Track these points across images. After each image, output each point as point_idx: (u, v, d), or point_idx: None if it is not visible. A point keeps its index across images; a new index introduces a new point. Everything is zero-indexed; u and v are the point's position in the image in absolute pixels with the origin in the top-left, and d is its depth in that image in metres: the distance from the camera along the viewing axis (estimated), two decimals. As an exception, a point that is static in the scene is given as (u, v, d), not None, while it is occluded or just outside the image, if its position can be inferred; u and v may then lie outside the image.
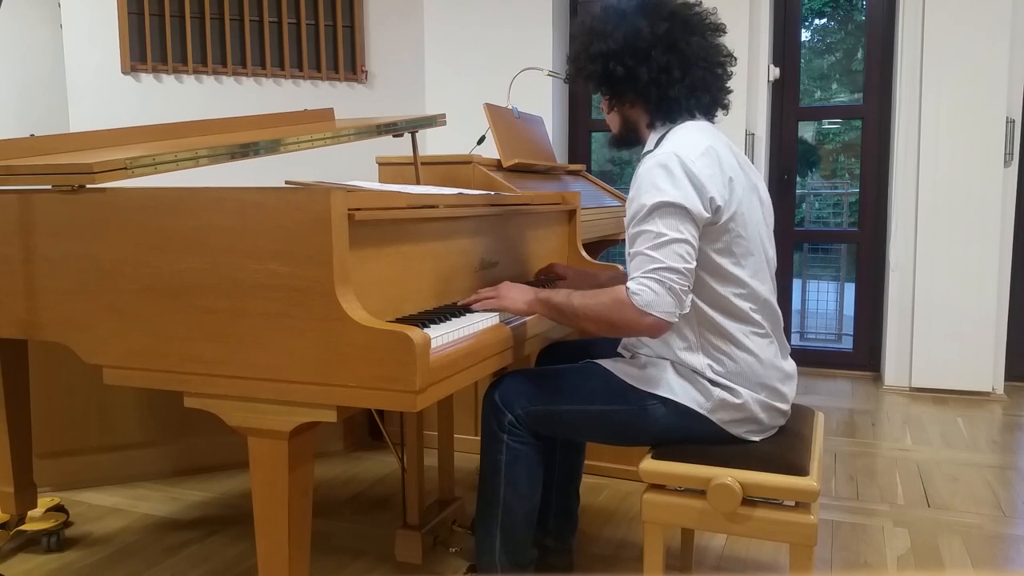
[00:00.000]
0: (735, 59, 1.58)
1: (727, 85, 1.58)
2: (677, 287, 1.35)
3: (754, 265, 1.47)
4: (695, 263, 1.39)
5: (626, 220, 1.45)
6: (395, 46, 4.39)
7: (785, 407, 1.52)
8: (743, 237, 1.45)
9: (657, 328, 1.38)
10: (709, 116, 1.57)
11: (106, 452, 2.51)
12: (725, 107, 1.60)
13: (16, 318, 1.42)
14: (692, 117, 1.53)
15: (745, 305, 1.47)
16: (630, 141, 1.62)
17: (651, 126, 1.56)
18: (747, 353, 1.47)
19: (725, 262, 1.44)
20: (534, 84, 3.70)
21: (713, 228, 1.42)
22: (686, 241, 1.37)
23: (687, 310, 1.41)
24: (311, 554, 1.34)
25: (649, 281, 1.35)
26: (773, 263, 1.56)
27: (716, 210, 1.40)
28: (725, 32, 1.56)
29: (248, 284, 1.21)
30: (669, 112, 1.52)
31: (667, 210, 1.37)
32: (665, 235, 1.36)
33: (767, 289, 1.50)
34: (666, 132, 1.52)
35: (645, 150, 1.56)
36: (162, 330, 1.28)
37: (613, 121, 1.63)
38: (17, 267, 1.40)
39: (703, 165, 1.40)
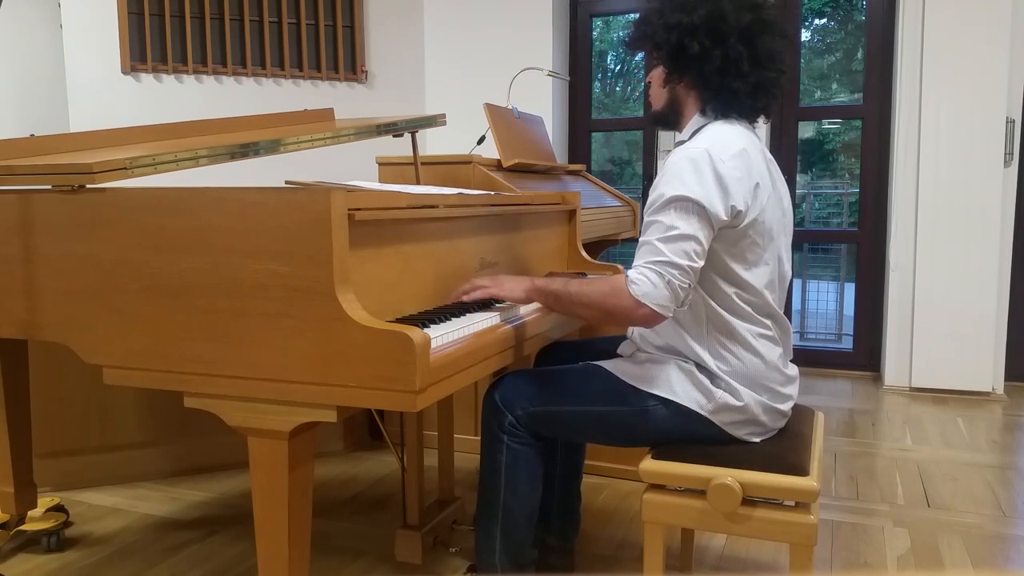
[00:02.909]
0: (787, 71, 1.56)
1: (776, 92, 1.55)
2: (676, 283, 1.35)
3: (767, 275, 1.47)
4: (701, 262, 1.38)
5: (645, 207, 1.44)
6: (395, 46, 4.39)
7: (786, 409, 1.52)
8: (759, 245, 1.44)
9: (650, 319, 1.37)
10: (755, 118, 1.55)
11: (106, 452, 2.51)
12: (768, 114, 1.57)
13: (16, 318, 1.42)
14: (741, 116, 1.51)
15: (753, 309, 1.47)
16: (669, 122, 1.59)
17: (702, 112, 1.52)
18: (753, 354, 1.47)
19: (737, 267, 1.44)
20: (534, 84, 3.70)
21: (731, 232, 1.41)
22: (696, 239, 1.36)
23: (684, 307, 1.41)
24: (311, 554, 1.34)
25: (650, 272, 1.35)
26: (787, 277, 1.54)
27: (736, 215, 1.39)
28: (790, 41, 1.54)
29: (248, 284, 1.21)
30: (723, 105, 1.49)
31: (685, 204, 1.36)
32: (676, 229, 1.36)
33: (775, 298, 1.50)
34: (704, 125, 1.50)
35: (679, 139, 1.55)
36: (162, 330, 1.28)
37: (659, 97, 1.58)
38: (17, 267, 1.40)
39: (732, 167, 1.39)
